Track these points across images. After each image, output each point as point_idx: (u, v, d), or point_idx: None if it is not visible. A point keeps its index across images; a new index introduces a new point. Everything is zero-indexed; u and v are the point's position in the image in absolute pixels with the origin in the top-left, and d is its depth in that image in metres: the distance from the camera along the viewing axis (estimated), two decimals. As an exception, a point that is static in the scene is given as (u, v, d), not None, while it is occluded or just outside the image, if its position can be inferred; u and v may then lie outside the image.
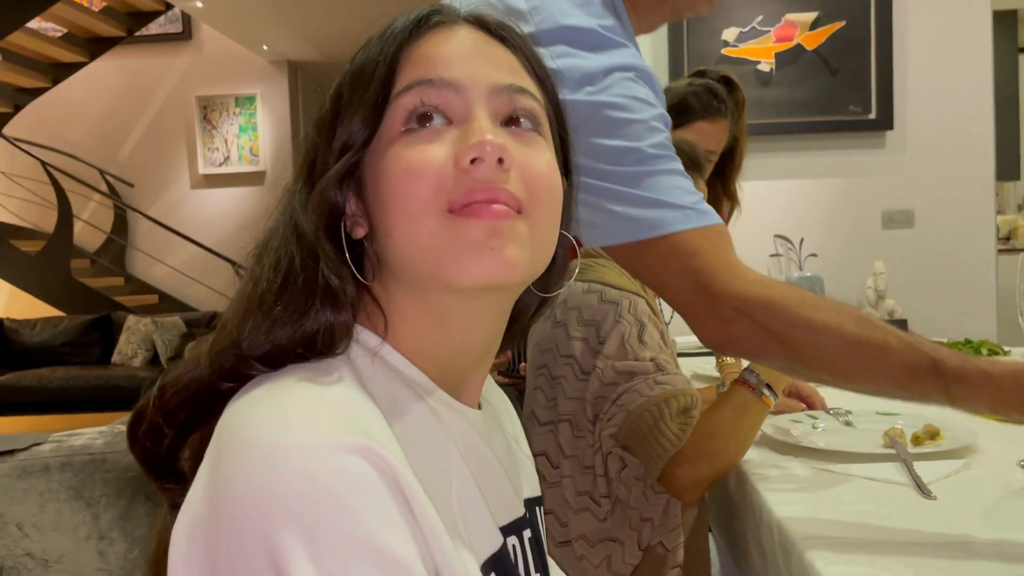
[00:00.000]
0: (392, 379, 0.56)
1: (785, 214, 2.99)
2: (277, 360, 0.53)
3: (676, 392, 1.18)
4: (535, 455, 1.25)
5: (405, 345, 0.58)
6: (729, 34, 2.94)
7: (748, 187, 2.98)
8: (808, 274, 2.87)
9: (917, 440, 1.23)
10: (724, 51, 2.93)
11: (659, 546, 1.26)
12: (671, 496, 1.22)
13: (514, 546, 0.61)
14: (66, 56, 5.52)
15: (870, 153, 2.99)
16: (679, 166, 0.94)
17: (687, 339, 2.35)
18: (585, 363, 1.25)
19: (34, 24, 5.11)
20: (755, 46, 2.95)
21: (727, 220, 1.68)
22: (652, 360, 1.20)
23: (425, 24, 0.59)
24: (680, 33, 2.90)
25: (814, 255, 2.92)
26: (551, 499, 1.27)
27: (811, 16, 2.94)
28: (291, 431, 0.46)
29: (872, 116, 2.94)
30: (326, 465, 0.44)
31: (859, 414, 1.43)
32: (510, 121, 0.58)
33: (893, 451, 1.19)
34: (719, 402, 1.20)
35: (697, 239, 0.90)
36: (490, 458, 0.62)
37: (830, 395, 1.63)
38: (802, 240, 2.93)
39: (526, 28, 0.79)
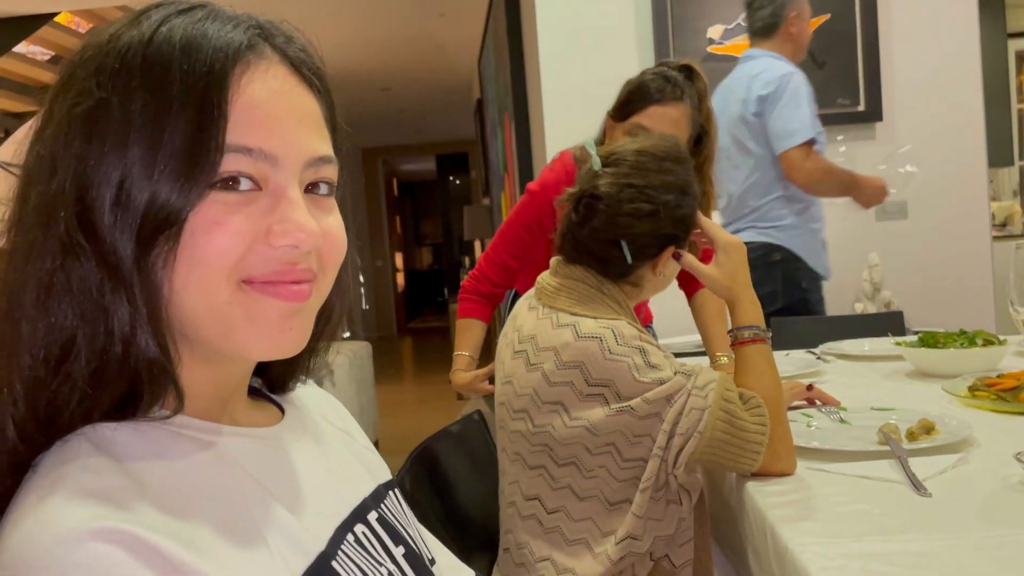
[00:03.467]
0: (150, 434, 0.53)
1: (778, 209, 2.97)
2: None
3: (723, 386, 1.14)
4: (528, 498, 1.24)
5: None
6: (714, 31, 2.93)
7: (739, 184, 2.97)
8: (803, 269, 2.85)
9: (912, 436, 1.22)
10: (710, 48, 2.92)
11: (665, 559, 1.24)
12: (772, 475, 1.14)
13: (363, 533, 0.62)
14: (54, 79, 5.53)
15: (861, 145, 2.98)
16: None
17: (683, 339, 2.34)
18: (577, 410, 1.18)
19: (21, 48, 5.12)
20: (741, 43, 2.94)
21: (708, 210, 1.69)
22: (677, 373, 1.15)
23: (244, 56, 0.53)
24: (665, 32, 2.89)
25: (808, 249, 2.90)
26: (550, 543, 1.23)
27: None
28: (36, 541, 0.45)
29: (861, 108, 2.93)
30: (73, 559, 0.44)
31: (853, 410, 1.41)
32: (310, 185, 0.57)
33: (887, 448, 1.17)
34: (751, 367, 1.21)
35: None
36: (299, 464, 0.61)
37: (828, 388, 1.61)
38: (796, 235, 2.91)
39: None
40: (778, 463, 1.15)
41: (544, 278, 1.34)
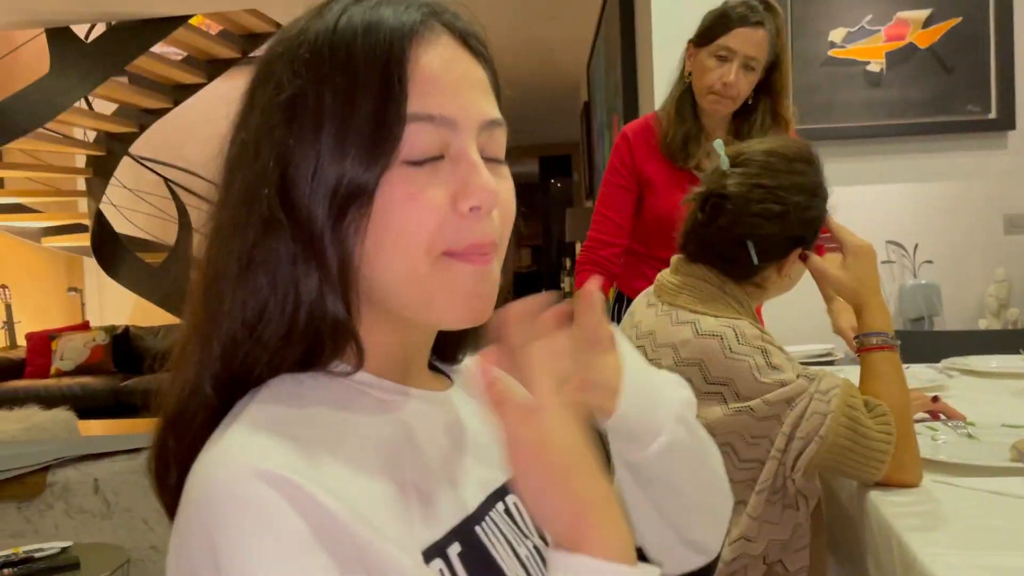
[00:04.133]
0: (331, 386, 0.58)
1: (898, 219, 2.87)
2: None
3: (846, 391, 1.12)
4: None
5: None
6: (836, 35, 2.85)
7: (858, 191, 2.89)
8: (923, 281, 2.75)
9: (1048, 454, 1.17)
10: (831, 52, 2.85)
11: (779, 564, 1.23)
12: (897, 485, 1.12)
13: (514, 503, 0.64)
14: (186, 78, 5.83)
15: (991, 154, 2.84)
16: None
17: (797, 348, 2.29)
18: (698, 409, 1.18)
19: (157, 49, 5.42)
20: (864, 46, 2.85)
21: (791, 133, 1.86)
22: (800, 376, 1.14)
23: (419, 32, 0.57)
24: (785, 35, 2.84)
25: (929, 262, 2.80)
26: None
27: (924, 13, 2.82)
28: (212, 474, 0.51)
29: (992, 116, 2.80)
30: (238, 494, 0.49)
31: (982, 426, 1.36)
32: (486, 156, 0.59)
33: (1022, 465, 1.13)
34: (878, 374, 1.17)
35: None
36: (468, 427, 0.64)
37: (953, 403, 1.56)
38: (916, 246, 2.81)
39: None
40: (903, 473, 1.12)
41: (664, 276, 1.34)
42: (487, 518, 0.61)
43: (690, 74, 1.89)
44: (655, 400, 0.67)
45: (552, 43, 6.10)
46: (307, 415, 0.56)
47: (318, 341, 0.57)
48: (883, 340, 1.20)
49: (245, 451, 0.51)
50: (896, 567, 0.97)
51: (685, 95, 1.90)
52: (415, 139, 0.56)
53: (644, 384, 0.67)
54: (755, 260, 1.25)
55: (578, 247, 8.57)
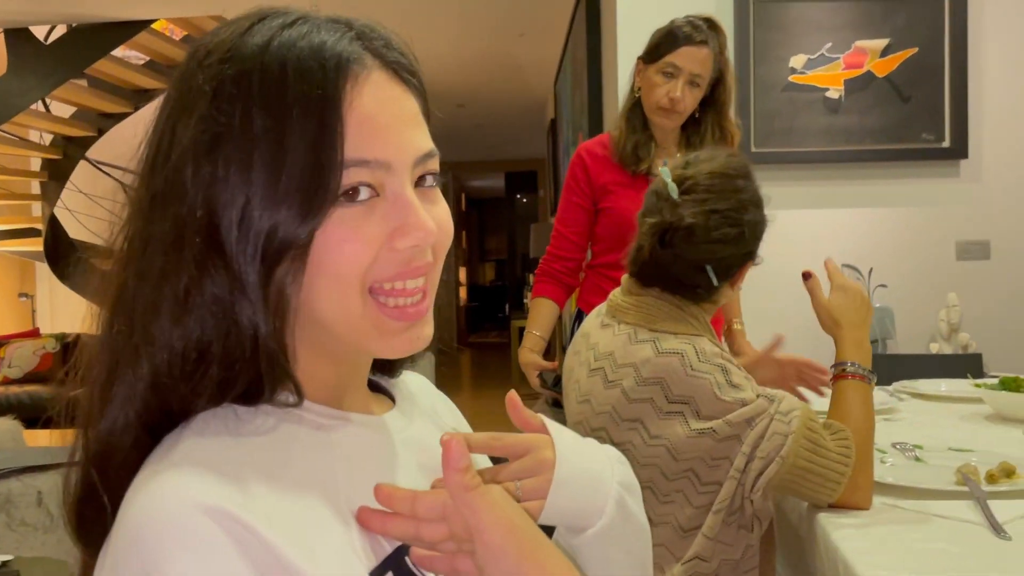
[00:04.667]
0: (269, 416, 0.57)
1: (854, 244, 2.92)
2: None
3: (806, 414, 1.14)
4: None
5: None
6: (797, 61, 2.90)
7: (816, 215, 2.94)
8: (877, 305, 2.80)
9: (992, 478, 1.19)
10: (791, 78, 2.90)
11: None
12: (848, 508, 1.14)
13: None
14: (147, 83, 5.75)
15: (944, 182, 2.91)
16: None
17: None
18: (657, 427, 1.18)
19: (118, 52, 5.35)
20: (824, 73, 2.90)
21: (734, 145, 1.97)
22: (759, 396, 1.16)
23: (352, 70, 0.55)
24: (746, 60, 2.88)
25: (883, 286, 2.85)
26: None
27: (882, 43, 2.88)
28: (153, 507, 0.50)
29: (946, 144, 2.86)
30: (184, 526, 0.48)
31: (929, 449, 1.38)
32: (419, 179, 0.59)
33: (966, 488, 1.15)
34: (845, 400, 1.20)
35: None
36: (400, 453, 0.64)
37: (899, 430, 1.58)
38: (871, 270, 2.86)
39: None
40: (856, 495, 1.13)
41: (617, 296, 1.35)
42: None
43: (639, 89, 1.97)
44: (591, 487, 0.65)
45: (520, 60, 6.14)
46: (243, 447, 0.55)
47: (255, 379, 0.56)
48: (857, 370, 1.22)
49: (185, 486, 0.50)
50: (842, 590, 0.98)
51: (635, 108, 1.99)
52: (349, 181, 0.55)
53: (578, 474, 0.64)
54: (715, 282, 1.26)
55: (541, 263, 8.59)
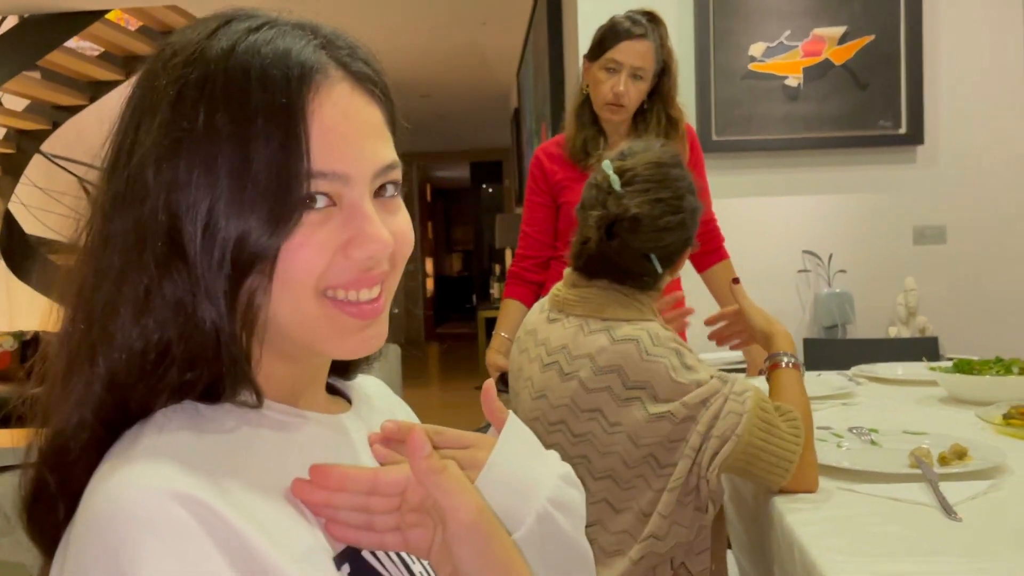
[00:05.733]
0: (230, 413, 0.57)
1: (813, 230, 2.96)
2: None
3: (758, 394, 1.17)
4: None
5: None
6: (756, 49, 2.92)
7: (776, 202, 2.97)
8: (837, 290, 2.84)
9: (944, 460, 1.21)
10: (751, 66, 2.91)
11: (683, 567, 1.24)
12: (796, 492, 1.16)
13: None
14: (103, 74, 5.63)
15: (900, 168, 2.95)
16: None
17: (714, 356, 2.33)
18: (616, 415, 1.20)
19: (72, 43, 5.23)
20: (783, 61, 2.92)
21: (678, 134, 2.00)
22: (713, 377, 1.18)
23: (315, 80, 0.55)
24: (706, 48, 2.89)
25: (843, 271, 2.89)
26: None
27: (840, 30, 2.91)
28: (121, 495, 0.50)
29: (902, 131, 2.90)
30: (153, 513, 0.48)
31: (884, 433, 1.41)
32: (379, 188, 0.59)
33: (919, 471, 1.17)
34: (785, 387, 1.27)
35: None
36: (359, 451, 0.64)
37: (857, 414, 1.61)
38: (831, 256, 2.90)
39: None
40: (807, 476, 1.16)
41: (561, 290, 1.35)
42: None
43: (587, 86, 2.01)
44: (516, 497, 0.65)
45: (483, 49, 6.11)
46: (206, 442, 0.55)
47: (215, 380, 0.56)
48: (790, 360, 1.30)
49: (151, 474, 0.50)
50: (798, 573, 0.99)
51: (584, 104, 2.03)
52: (313, 189, 0.55)
53: (504, 481, 0.64)
54: (659, 270, 1.29)
55: (507, 253, 8.59)
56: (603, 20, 2.01)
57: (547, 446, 1.24)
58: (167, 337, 0.54)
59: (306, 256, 0.55)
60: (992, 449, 1.24)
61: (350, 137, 0.56)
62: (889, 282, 2.89)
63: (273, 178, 0.53)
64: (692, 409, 1.16)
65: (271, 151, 0.53)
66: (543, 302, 1.40)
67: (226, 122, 0.53)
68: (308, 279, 0.55)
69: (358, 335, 0.59)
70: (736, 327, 1.45)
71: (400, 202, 0.62)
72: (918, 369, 1.91)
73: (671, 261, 1.30)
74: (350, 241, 0.56)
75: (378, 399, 0.76)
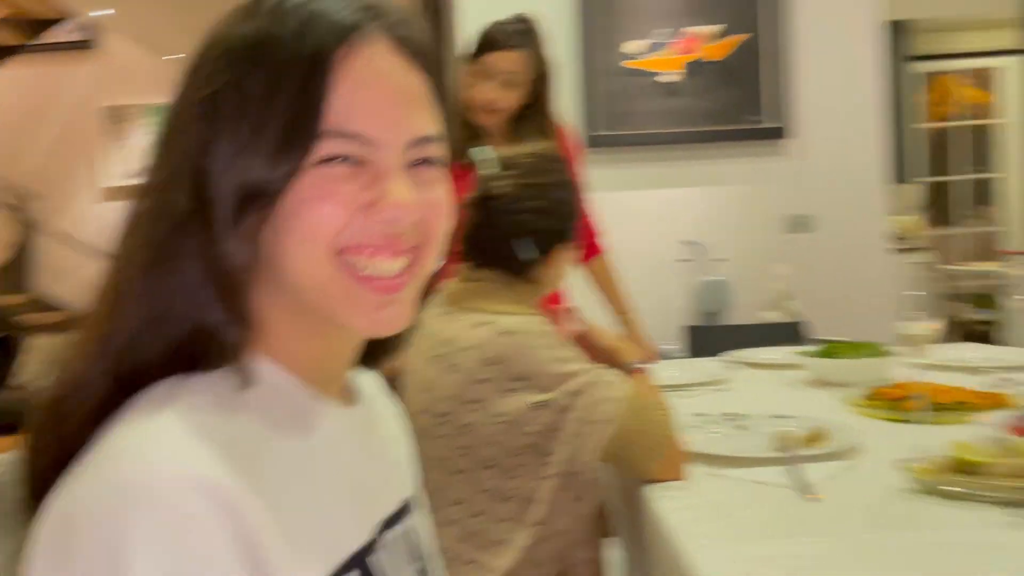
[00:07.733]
0: (255, 396, 0.56)
1: (692, 221, 3.06)
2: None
3: (633, 383, 1.22)
4: (454, 503, 1.26)
5: (276, 348, 0.58)
6: (630, 47, 2.99)
7: (656, 195, 3.05)
8: (715, 278, 2.94)
9: (806, 442, 1.27)
10: (626, 63, 2.98)
11: (567, 555, 1.28)
12: (670, 479, 1.20)
13: (403, 533, 0.65)
14: (6, 39, 5.28)
15: (770, 161, 3.08)
16: None
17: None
18: (499, 405, 1.21)
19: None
20: (659, 57, 3.01)
21: (553, 136, 2.03)
22: (591, 367, 1.22)
23: (354, 38, 0.55)
24: (583, 47, 2.93)
25: (721, 260, 2.99)
26: (475, 546, 1.25)
27: (715, 28, 3.01)
28: (145, 469, 0.48)
29: (770, 125, 3.03)
30: (172, 503, 0.47)
31: (754, 417, 1.46)
32: (416, 162, 0.58)
33: (783, 455, 1.22)
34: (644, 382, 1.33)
35: None
36: (363, 454, 0.64)
37: (729, 400, 1.67)
38: (709, 245, 3.00)
39: None
40: (676, 462, 1.21)
41: (452, 285, 1.37)
42: (385, 543, 0.62)
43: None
44: None
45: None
46: (232, 425, 0.53)
47: (219, 343, 0.55)
48: (632, 365, 1.39)
49: (181, 455, 0.49)
50: (668, 560, 1.02)
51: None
52: (335, 149, 0.54)
53: None
54: (527, 256, 1.32)
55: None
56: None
57: (435, 438, 1.26)
58: (177, 291, 0.54)
59: (324, 210, 0.54)
60: (850, 430, 1.32)
61: (384, 100, 0.56)
62: (762, 270, 3.01)
63: (284, 127, 0.53)
64: (570, 398, 1.19)
65: (287, 101, 0.53)
66: (438, 298, 1.41)
67: (256, 74, 0.54)
68: (325, 232, 0.54)
69: (373, 312, 0.57)
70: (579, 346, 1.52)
71: (439, 176, 0.60)
72: (788, 353, 2.00)
73: (543, 250, 1.33)
74: (372, 202, 0.55)
75: (378, 395, 0.75)
